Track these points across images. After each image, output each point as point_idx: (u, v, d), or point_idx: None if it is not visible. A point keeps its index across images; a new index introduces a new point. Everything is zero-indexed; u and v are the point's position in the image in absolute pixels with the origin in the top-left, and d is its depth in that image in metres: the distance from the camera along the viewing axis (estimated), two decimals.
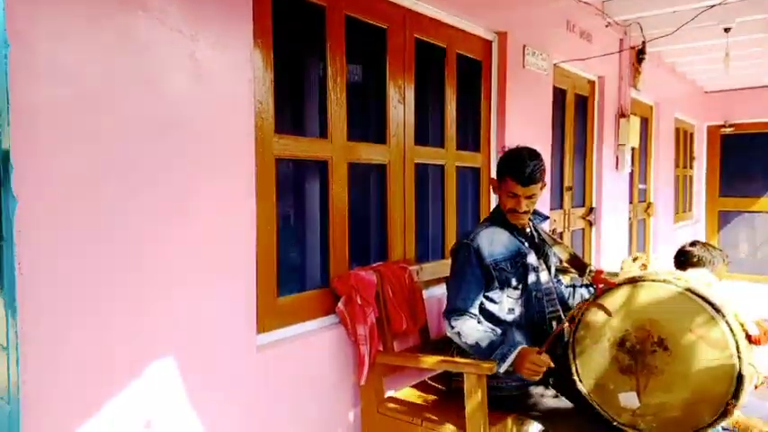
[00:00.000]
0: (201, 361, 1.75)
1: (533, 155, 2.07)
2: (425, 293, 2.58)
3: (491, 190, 2.31)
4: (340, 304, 2.21)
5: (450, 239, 2.94)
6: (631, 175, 5.39)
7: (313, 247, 2.26)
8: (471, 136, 3.11)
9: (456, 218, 2.97)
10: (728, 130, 7.75)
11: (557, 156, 4.00)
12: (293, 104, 2.23)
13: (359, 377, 2.18)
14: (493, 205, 3.11)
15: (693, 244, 2.71)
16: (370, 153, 2.42)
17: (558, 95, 4.01)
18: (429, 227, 2.83)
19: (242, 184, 1.84)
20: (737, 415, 2.63)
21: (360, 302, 2.16)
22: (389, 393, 2.35)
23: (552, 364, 1.88)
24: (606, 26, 4.40)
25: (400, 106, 2.54)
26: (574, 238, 4.43)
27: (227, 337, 1.82)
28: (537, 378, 1.89)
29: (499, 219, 2.19)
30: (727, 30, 4.33)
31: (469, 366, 1.92)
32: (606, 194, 4.72)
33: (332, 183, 2.25)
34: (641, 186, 5.91)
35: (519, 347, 1.91)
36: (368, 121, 2.49)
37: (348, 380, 2.26)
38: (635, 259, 2.47)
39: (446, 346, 2.30)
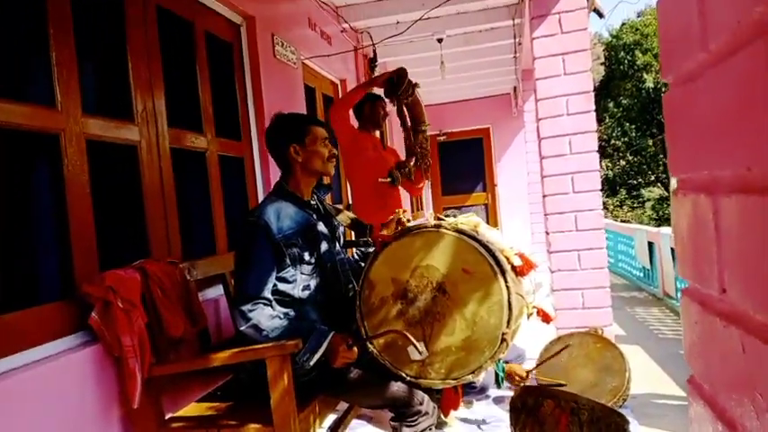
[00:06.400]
0: None
1: None
2: (200, 296, 2.25)
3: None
4: (94, 314, 1.74)
5: (221, 235, 2.65)
6: None
7: (46, 246, 1.75)
8: (230, 123, 2.88)
9: (223, 211, 2.69)
10: (443, 138, 9.07)
11: None
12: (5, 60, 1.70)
13: (131, 399, 1.74)
14: (260, 199, 2.93)
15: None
16: (113, 130, 2.00)
17: (308, 93, 4.06)
18: (194, 221, 2.49)
19: None
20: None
21: (122, 306, 1.74)
22: (169, 416, 1.95)
23: (356, 356, 1.79)
24: (342, 32, 4.67)
25: (145, 78, 2.18)
26: None
27: None
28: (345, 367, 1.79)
29: (283, 192, 2.04)
30: (440, 40, 5.02)
31: (272, 349, 1.69)
32: None
33: (67, 164, 1.78)
34: None
35: (329, 336, 1.77)
36: (106, 92, 2.06)
37: (115, 407, 1.79)
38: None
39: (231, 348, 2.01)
